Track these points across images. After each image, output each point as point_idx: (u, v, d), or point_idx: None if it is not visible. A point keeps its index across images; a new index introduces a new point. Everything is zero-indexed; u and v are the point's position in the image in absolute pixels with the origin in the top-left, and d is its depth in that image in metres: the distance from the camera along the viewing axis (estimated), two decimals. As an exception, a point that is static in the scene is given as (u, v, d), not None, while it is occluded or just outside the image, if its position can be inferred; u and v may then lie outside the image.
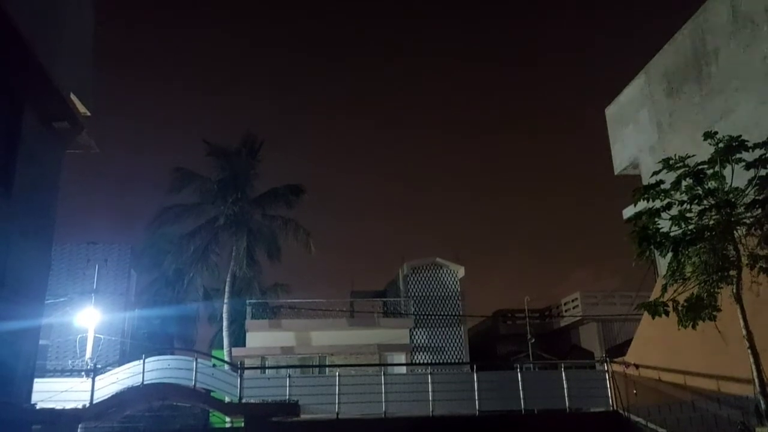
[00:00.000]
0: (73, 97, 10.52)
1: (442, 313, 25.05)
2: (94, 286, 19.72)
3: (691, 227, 8.14)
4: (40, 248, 9.36)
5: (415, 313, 25.03)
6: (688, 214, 8.16)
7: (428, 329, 24.88)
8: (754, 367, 7.62)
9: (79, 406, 12.70)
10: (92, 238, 23.34)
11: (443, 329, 25.00)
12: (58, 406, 11.77)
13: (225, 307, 23.85)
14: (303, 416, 13.67)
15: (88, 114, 11.39)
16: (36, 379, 9.51)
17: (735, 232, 7.91)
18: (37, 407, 9.57)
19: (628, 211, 12.83)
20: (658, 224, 8.47)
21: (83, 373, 14.69)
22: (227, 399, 14.44)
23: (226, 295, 23.98)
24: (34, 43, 8.29)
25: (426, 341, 24.71)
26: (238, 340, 24.45)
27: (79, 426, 13.09)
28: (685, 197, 8.23)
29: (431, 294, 25.55)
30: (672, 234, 8.25)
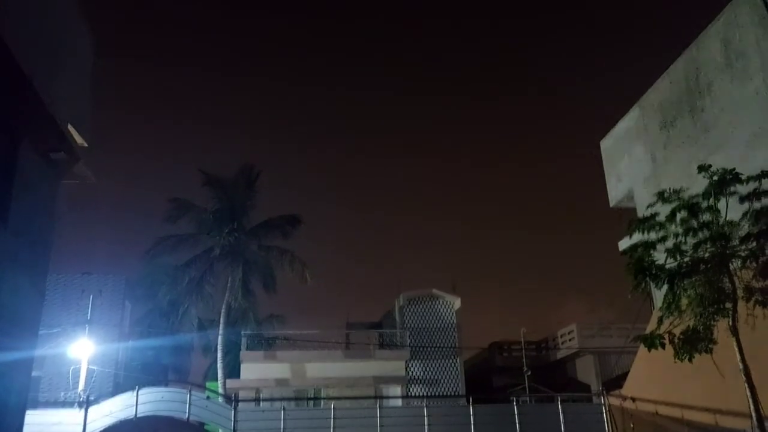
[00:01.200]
0: (70, 128, 10.59)
1: (438, 345, 24.89)
2: (88, 317, 19.56)
3: (686, 260, 8.20)
4: (35, 279, 9.32)
5: (411, 344, 24.86)
6: (683, 247, 8.23)
7: (424, 361, 24.69)
8: (750, 400, 7.59)
9: (70, 440, 12.51)
10: (87, 269, 23.24)
11: (439, 361, 24.80)
12: (49, 439, 11.58)
13: (220, 338, 23.65)
14: (298, 450, 13.49)
15: (86, 145, 11.45)
16: (28, 411, 9.38)
17: (730, 264, 7.96)
18: (28, 441, 9.39)
19: (624, 243, 12.89)
20: (654, 256, 8.52)
21: (76, 405, 14.49)
22: (221, 432, 14.26)
23: (221, 326, 23.80)
24: (33, 74, 8.37)
25: (422, 373, 24.49)
26: (233, 371, 24.18)
27: (70, 460, 12.88)
28: (680, 230, 8.30)
29: (427, 325, 25.41)
30: (667, 266, 8.30)
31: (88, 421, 12.94)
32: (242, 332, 24.63)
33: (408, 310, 25.64)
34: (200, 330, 26.83)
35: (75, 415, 13.38)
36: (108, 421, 13.19)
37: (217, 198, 24.97)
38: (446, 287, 26.43)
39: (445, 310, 25.90)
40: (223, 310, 23.98)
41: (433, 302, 25.89)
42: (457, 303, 25.92)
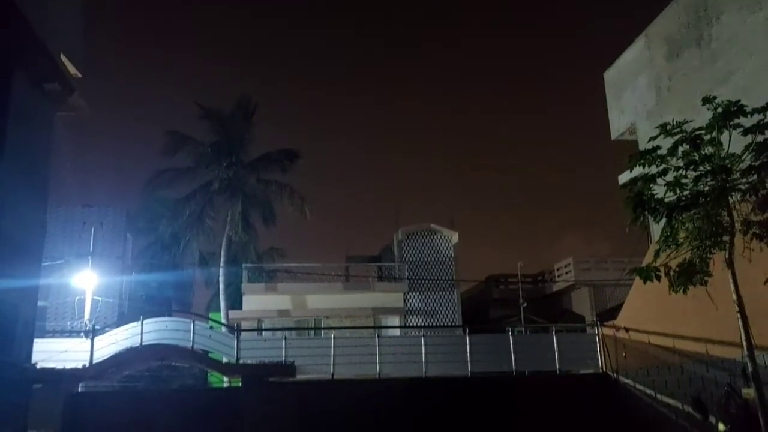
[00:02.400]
0: (63, 58, 10.39)
1: (435, 278, 25.27)
2: (91, 249, 19.75)
3: (686, 193, 8.19)
4: (35, 210, 9.37)
5: (409, 277, 25.23)
6: (683, 180, 8.20)
7: (422, 293, 25.13)
8: (742, 330, 7.76)
9: (79, 366, 12.85)
10: (87, 201, 23.25)
11: (437, 293, 25.25)
12: (58, 366, 11.92)
13: (221, 271, 24.00)
14: (299, 376, 13.89)
15: (79, 75, 11.27)
16: (36, 340, 9.62)
17: (730, 198, 7.96)
18: (38, 367, 9.70)
19: (624, 177, 12.89)
20: (653, 190, 8.50)
21: (82, 334, 14.84)
22: (225, 360, 14.64)
23: (222, 259, 24.10)
24: (23, 4, 8.14)
25: (420, 305, 24.98)
26: (235, 303, 24.65)
27: (79, 385, 13.28)
28: (681, 163, 8.25)
29: (425, 259, 25.71)
30: (667, 200, 8.31)
31: (94, 349, 13.25)
32: (243, 265, 24.94)
33: (406, 244, 25.88)
34: (201, 263, 27.15)
35: (82, 343, 13.70)
36: (114, 349, 13.52)
37: (215, 131, 24.80)
38: (444, 222, 26.60)
39: (443, 244, 26.14)
40: (223, 244, 24.22)
41: (431, 237, 26.10)
42: (455, 237, 26.14)
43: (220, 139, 24.60)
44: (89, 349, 13.19)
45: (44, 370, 10.39)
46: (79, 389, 13.39)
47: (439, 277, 25.34)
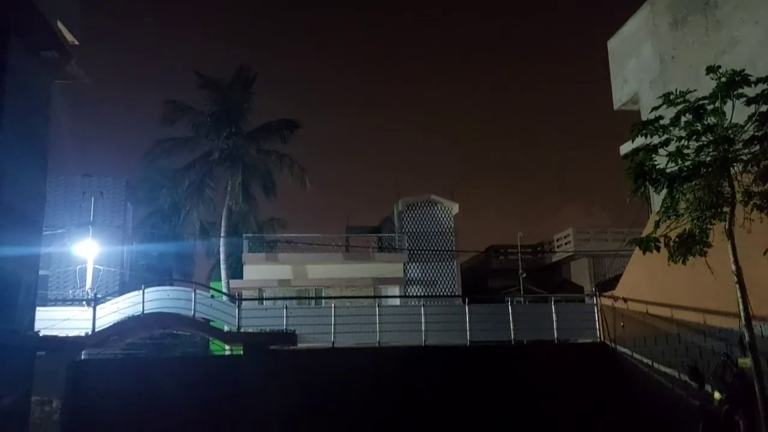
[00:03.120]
0: (60, 25, 10.25)
1: (435, 249, 25.37)
2: (91, 219, 19.78)
3: (687, 164, 8.15)
4: (35, 177, 9.36)
5: (409, 248, 25.33)
6: (685, 151, 8.15)
7: (422, 264, 25.27)
8: (741, 300, 7.79)
9: (82, 334, 12.97)
10: (86, 171, 23.22)
11: (436, 264, 25.39)
12: (61, 334, 12.02)
13: (222, 241, 24.07)
14: (300, 345, 14.03)
15: (76, 43, 11.13)
16: (38, 308, 9.70)
17: (731, 168, 7.93)
18: (41, 335, 9.79)
19: (625, 147, 12.82)
20: (655, 161, 8.47)
21: (84, 303, 14.94)
22: (226, 328, 14.76)
23: (223, 229, 24.15)
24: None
25: (419, 275, 25.13)
26: (236, 273, 24.79)
27: (82, 353, 13.42)
28: (683, 133, 8.19)
29: (425, 230, 25.79)
30: (668, 171, 8.27)
31: (97, 317, 13.35)
32: (244, 235, 25.02)
33: (406, 215, 25.93)
34: (202, 233, 27.23)
35: (84, 311, 13.81)
36: (116, 318, 13.62)
37: (214, 101, 24.65)
38: (444, 193, 26.61)
39: (443, 215, 26.19)
40: (224, 214, 24.25)
41: (432, 207, 26.13)
42: (455, 208, 26.18)
43: (220, 109, 24.46)
44: (91, 317, 13.29)
45: (47, 338, 10.49)
46: (82, 357, 13.53)
47: (439, 248, 25.45)
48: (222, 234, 24.08)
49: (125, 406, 12.45)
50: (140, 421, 12.34)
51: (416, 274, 25.13)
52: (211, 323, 14.79)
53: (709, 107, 8.07)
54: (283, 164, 24.63)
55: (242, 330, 14.10)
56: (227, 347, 16.29)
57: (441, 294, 24.71)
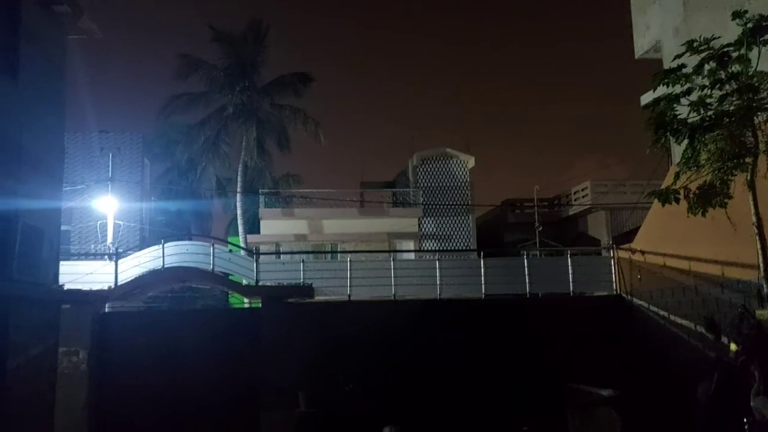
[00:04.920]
0: (72, -23, 10.13)
1: (450, 203, 25.33)
2: (110, 174, 19.95)
3: (710, 113, 7.99)
4: (53, 132, 9.43)
5: (424, 203, 25.31)
6: (708, 100, 7.98)
7: (437, 218, 25.28)
8: (760, 252, 7.75)
9: (105, 288, 13.25)
10: (102, 127, 23.33)
11: (452, 218, 25.38)
12: (85, 287, 12.29)
13: (238, 196, 24.26)
14: (317, 298, 14.23)
15: (89, -4, 11.02)
16: (61, 262, 9.89)
17: (755, 118, 7.76)
18: (65, 288, 10.01)
19: (646, 97, 12.58)
20: (676, 111, 8.31)
21: (106, 257, 15.21)
22: (245, 282, 14.98)
23: (239, 184, 24.28)
24: None
25: (434, 230, 25.18)
26: (252, 228, 25.03)
27: (106, 305, 13.74)
28: (706, 82, 8.01)
29: (440, 184, 25.70)
30: (690, 121, 8.12)
31: (118, 271, 13.60)
32: (260, 191, 25.15)
33: (421, 169, 25.82)
34: (218, 189, 27.41)
35: (106, 265, 14.08)
36: (138, 271, 13.88)
37: (227, 54, 24.47)
38: (460, 146, 26.39)
39: (458, 168, 26.04)
40: (239, 169, 24.34)
41: (447, 161, 25.98)
42: (471, 162, 26.00)
43: (233, 63, 24.29)
44: (113, 271, 13.56)
45: (71, 291, 10.72)
46: (106, 309, 13.86)
47: (455, 202, 25.40)
48: (238, 190, 24.23)
49: (148, 357, 12.82)
50: (163, 371, 12.72)
51: (431, 229, 25.18)
52: (230, 277, 15.02)
53: (734, 54, 7.85)
54: (297, 119, 24.53)
55: (260, 283, 14.31)
56: (246, 300, 16.58)
57: (456, 248, 24.79)
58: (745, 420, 7.11)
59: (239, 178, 24.34)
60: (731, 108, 7.82)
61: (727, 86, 7.82)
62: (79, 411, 11.92)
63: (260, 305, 14.19)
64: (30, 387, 8.28)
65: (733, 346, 8.75)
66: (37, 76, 8.90)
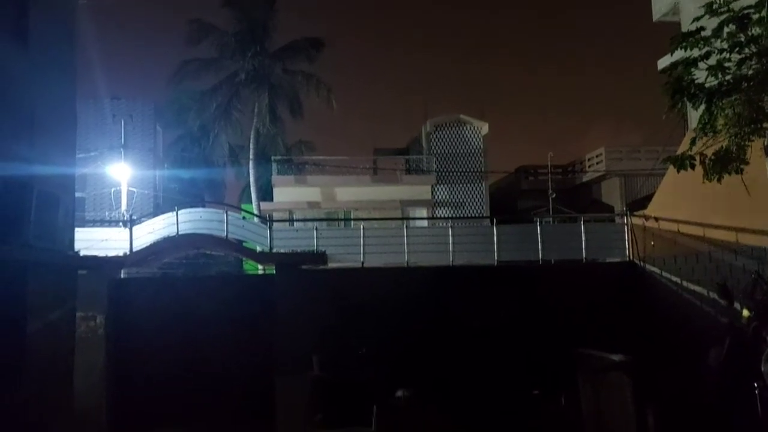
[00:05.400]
0: (81, -59, 10.04)
1: (464, 170, 25.21)
2: (122, 141, 20.02)
3: (728, 78, 7.83)
4: (65, 98, 9.46)
5: (438, 170, 25.21)
6: (726, 64, 7.81)
7: (450, 185, 25.21)
8: (775, 218, 7.67)
9: (120, 254, 13.41)
10: (114, 94, 23.31)
11: (465, 185, 25.30)
12: (100, 253, 12.45)
13: (251, 164, 24.27)
14: (330, 265, 14.33)
15: (99, -39, 10.93)
16: (76, 229, 10.02)
17: (774, 82, 7.60)
18: (81, 254, 10.15)
19: (664, 62, 12.35)
20: (694, 75, 8.15)
21: (120, 224, 15.37)
22: (258, 249, 15.10)
23: (251, 151, 24.28)
24: None
25: (448, 197, 25.13)
26: (266, 196, 25.10)
27: (121, 271, 13.92)
28: (725, 45, 7.82)
29: (454, 151, 25.56)
30: (707, 85, 7.97)
31: (133, 238, 13.75)
32: (272, 158, 25.15)
33: (435, 136, 25.66)
34: (231, 156, 27.44)
35: (120, 232, 14.23)
36: (152, 238, 14.02)
37: (237, 20, 24.24)
38: (474, 113, 26.13)
39: (472, 135, 25.85)
40: (252, 136, 24.31)
41: (461, 128, 25.78)
42: (485, 128, 25.78)
43: (244, 28, 24.06)
44: (128, 238, 13.69)
45: (87, 258, 10.86)
46: (122, 275, 14.05)
47: (468, 169, 25.28)
48: (251, 157, 24.24)
49: (164, 322, 13.02)
50: (178, 335, 12.93)
51: (444, 196, 25.14)
52: (244, 244, 15.13)
53: (755, 17, 7.65)
54: (310, 84, 24.36)
55: (274, 250, 14.41)
56: (260, 267, 16.73)
57: (469, 215, 24.76)
58: (755, 384, 7.14)
59: (252, 145, 24.33)
60: (750, 72, 7.65)
61: (747, 50, 7.64)
62: (98, 373, 12.20)
63: (274, 272, 14.32)
64: (50, 350, 8.47)
65: (745, 312, 8.73)
66: (48, 42, 8.88)
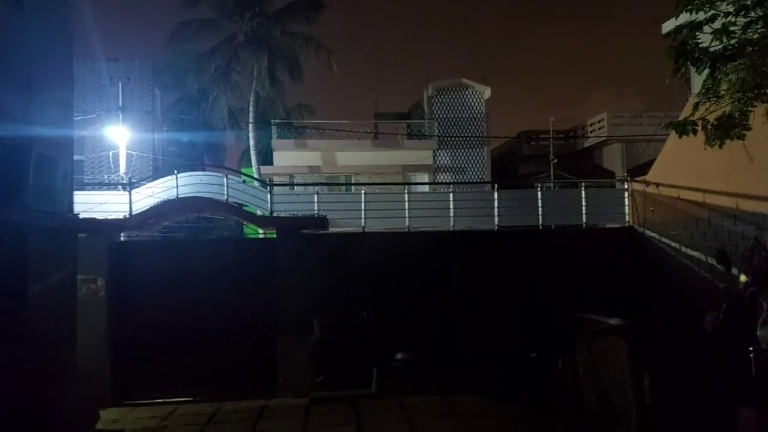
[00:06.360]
0: None
1: (465, 135, 25.09)
2: (120, 104, 19.85)
3: (733, 42, 7.72)
4: (62, 58, 9.35)
5: (439, 135, 25.08)
6: (732, 28, 7.69)
7: (451, 150, 25.13)
8: (776, 184, 7.66)
9: (120, 217, 13.41)
10: (111, 56, 23.02)
11: (466, 150, 25.23)
12: (100, 216, 12.44)
13: (251, 126, 24.15)
14: (331, 229, 14.35)
15: None
16: (75, 192, 10.00)
17: (779, 46, 7.50)
18: (81, 217, 10.15)
19: (668, 25, 12.12)
20: (699, 39, 8.03)
21: (120, 187, 15.32)
22: (259, 213, 15.11)
23: (251, 115, 24.13)
24: None
25: (449, 162, 25.07)
26: (266, 159, 25.04)
27: (121, 234, 13.94)
28: (731, 8, 7.69)
29: (456, 116, 25.41)
30: (712, 49, 7.87)
31: (133, 201, 13.73)
32: (272, 121, 25.00)
33: (437, 100, 25.47)
34: (231, 119, 27.26)
35: (120, 195, 14.20)
36: (151, 201, 13.99)
37: (235, -22, 23.80)
38: (476, 77, 25.90)
39: (474, 99, 25.67)
40: (251, 99, 24.13)
41: (463, 92, 25.59)
42: (487, 92, 25.58)
43: (242, -13, 23.67)
44: (128, 201, 13.67)
45: (87, 220, 10.84)
46: (122, 238, 14.09)
47: (470, 134, 25.15)
48: (250, 120, 24.11)
49: (165, 284, 13.11)
50: (179, 298, 13.04)
51: (445, 161, 25.07)
52: (244, 208, 15.13)
53: (762, -22, 7.51)
54: (309, 47, 24.11)
55: (274, 214, 14.43)
56: (260, 231, 16.76)
57: (470, 180, 24.73)
58: (751, 348, 7.22)
59: (251, 108, 24.16)
60: (755, 36, 7.54)
61: (753, 13, 7.52)
62: (100, 335, 12.33)
63: (275, 236, 14.35)
64: (52, 313, 8.54)
65: (742, 277, 8.78)
66: (43, 2, 8.73)
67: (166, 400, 12.71)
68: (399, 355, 12.90)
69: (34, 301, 7.99)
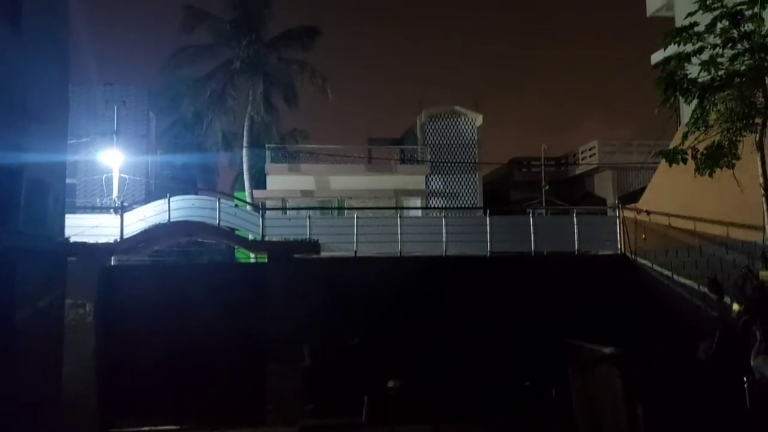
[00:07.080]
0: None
1: (458, 161, 25.22)
2: (115, 127, 19.86)
3: (720, 73, 7.85)
4: (57, 83, 9.37)
5: (432, 160, 25.19)
6: (719, 59, 7.83)
7: (444, 176, 25.21)
8: (766, 213, 7.72)
9: (111, 241, 13.33)
10: (107, 80, 23.09)
11: (459, 176, 25.31)
12: (91, 240, 12.37)
13: (244, 151, 24.18)
14: (323, 254, 14.30)
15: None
16: (67, 215, 9.95)
17: (766, 78, 7.63)
18: (71, 240, 10.09)
19: (657, 56, 12.35)
20: (687, 70, 8.17)
21: (112, 210, 15.26)
22: (251, 237, 15.06)
23: (245, 139, 24.17)
24: None
25: (441, 187, 25.13)
26: (259, 184, 25.01)
27: (112, 258, 13.85)
28: (718, 41, 7.84)
29: (448, 142, 25.54)
30: (700, 80, 7.99)
31: (124, 225, 13.67)
32: (266, 146, 25.04)
33: (429, 126, 25.62)
34: (225, 143, 27.30)
35: (112, 219, 14.15)
36: (143, 225, 13.94)
37: (233, 6, 24.05)
38: (469, 104, 26.10)
39: (466, 126, 25.83)
40: (246, 124, 24.19)
41: (455, 119, 25.76)
42: (479, 120, 25.76)
43: (239, 15, 23.90)
44: (119, 224, 13.61)
45: (77, 244, 10.80)
46: (112, 262, 13.98)
47: (462, 160, 25.28)
48: (244, 144, 24.15)
49: (154, 310, 12.96)
50: (169, 323, 12.88)
51: (438, 186, 25.14)
52: (236, 232, 15.09)
53: (747, 13, 7.66)
54: (305, 73, 24.23)
55: (266, 239, 14.38)
56: (252, 255, 16.68)
57: (462, 206, 24.78)
58: (745, 379, 7.20)
59: (245, 133, 24.21)
60: (742, 68, 7.68)
61: (739, 45, 7.67)
62: (88, 362, 12.16)
63: (266, 260, 14.29)
64: (38, 337, 8.43)
65: (735, 306, 8.79)
66: (41, 27, 8.79)
67: (153, 428, 12.50)
68: (390, 383, 12.76)
69: (22, 325, 7.89)
